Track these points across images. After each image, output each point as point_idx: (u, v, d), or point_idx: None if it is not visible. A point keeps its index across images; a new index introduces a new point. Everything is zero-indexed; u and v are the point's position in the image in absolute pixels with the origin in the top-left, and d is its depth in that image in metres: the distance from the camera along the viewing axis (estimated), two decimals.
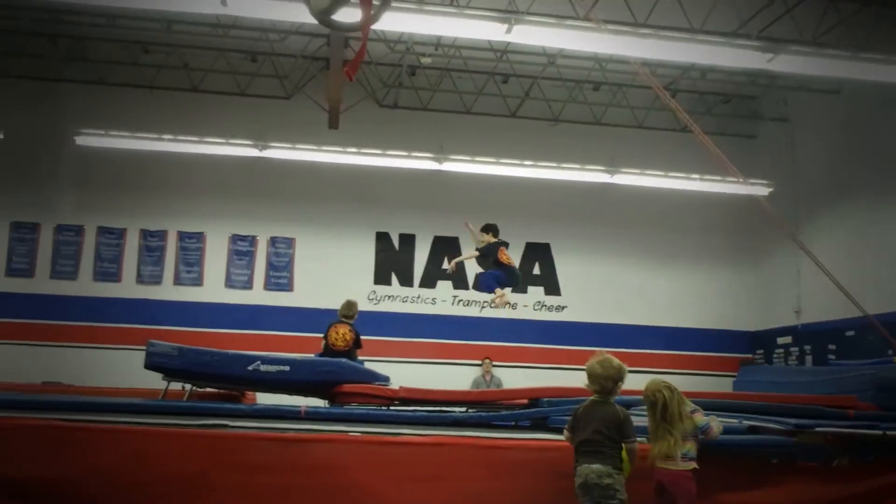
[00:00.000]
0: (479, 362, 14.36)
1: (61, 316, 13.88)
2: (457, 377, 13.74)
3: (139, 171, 14.20)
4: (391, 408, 7.48)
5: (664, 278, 15.60)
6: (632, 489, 4.97)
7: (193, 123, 13.64)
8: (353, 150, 13.52)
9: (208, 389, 7.91)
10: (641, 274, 15.53)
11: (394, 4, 6.26)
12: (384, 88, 14.93)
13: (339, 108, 13.60)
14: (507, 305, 9.31)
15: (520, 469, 5.70)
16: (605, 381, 5.10)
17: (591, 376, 5.14)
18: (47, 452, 5.52)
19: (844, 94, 13.47)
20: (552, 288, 15.44)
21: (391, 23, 9.43)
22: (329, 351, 9.01)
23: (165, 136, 13.11)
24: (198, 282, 14.58)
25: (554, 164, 13.96)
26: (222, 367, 7.47)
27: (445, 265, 14.05)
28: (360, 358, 9.26)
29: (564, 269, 15.50)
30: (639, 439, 5.10)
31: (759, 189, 12.83)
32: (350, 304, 9.45)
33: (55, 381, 10.89)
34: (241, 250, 14.76)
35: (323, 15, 5.57)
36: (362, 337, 9.41)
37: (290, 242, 14.88)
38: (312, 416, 6.58)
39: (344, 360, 8.25)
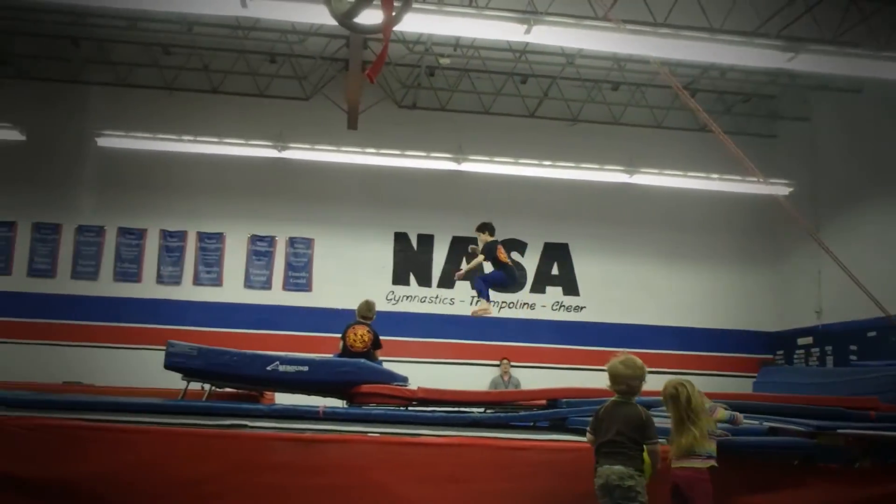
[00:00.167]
0: (497, 363, 14.33)
1: (82, 316, 14.01)
2: (475, 378, 13.75)
3: (159, 172, 14.33)
4: (409, 408, 7.50)
5: (683, 278, 15.53)
6: (652, 492, 4.92)
7: (213, 124, 13.72)
8: (372, 150, 13.58)
9: (227, 389, 7.96)
10: (660, 274, 15.48)
11: (413, 5, 6.23)
12: (403, 89, 14.93)
13: (357, 109, 13.64)
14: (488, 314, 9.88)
15: (538, 470, 5.65)
16: (631, 381, 5.04)
17: (615, 377, 5.07)
18: (67, 452, 5.55)
19: (865, 93, 13.32)
20: (570, 288, 15.41)
21: (410, 24, 9.45)
22: (347, 353, 8.81)
23: (185, 138, 13.21)
24: (217, 282, 14.67)
25: (573, 165, 13.96)
26: (241, 368, 7.53)
27: (463, 265, 14.02)
28: (380, 358, 9.14)
29: (583, 269, 15.46)
30: (660, 440, 5.05)
31: (780, 189, 12.73)
32: (368, 305, 9.26)
33: (76, 380, 11.03)
34: (260, 251, 14.82)
35: (345, 18, 5.49)
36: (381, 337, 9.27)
37: (308, 243, 14.93)
38: (331, 416, 6.62)
39: (362, 360, 8.23)
